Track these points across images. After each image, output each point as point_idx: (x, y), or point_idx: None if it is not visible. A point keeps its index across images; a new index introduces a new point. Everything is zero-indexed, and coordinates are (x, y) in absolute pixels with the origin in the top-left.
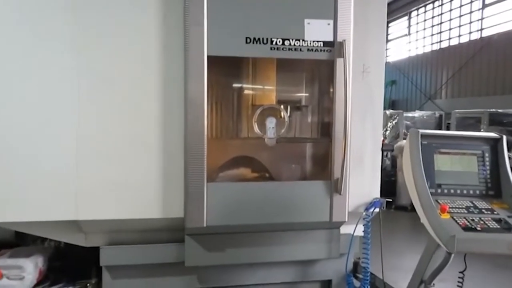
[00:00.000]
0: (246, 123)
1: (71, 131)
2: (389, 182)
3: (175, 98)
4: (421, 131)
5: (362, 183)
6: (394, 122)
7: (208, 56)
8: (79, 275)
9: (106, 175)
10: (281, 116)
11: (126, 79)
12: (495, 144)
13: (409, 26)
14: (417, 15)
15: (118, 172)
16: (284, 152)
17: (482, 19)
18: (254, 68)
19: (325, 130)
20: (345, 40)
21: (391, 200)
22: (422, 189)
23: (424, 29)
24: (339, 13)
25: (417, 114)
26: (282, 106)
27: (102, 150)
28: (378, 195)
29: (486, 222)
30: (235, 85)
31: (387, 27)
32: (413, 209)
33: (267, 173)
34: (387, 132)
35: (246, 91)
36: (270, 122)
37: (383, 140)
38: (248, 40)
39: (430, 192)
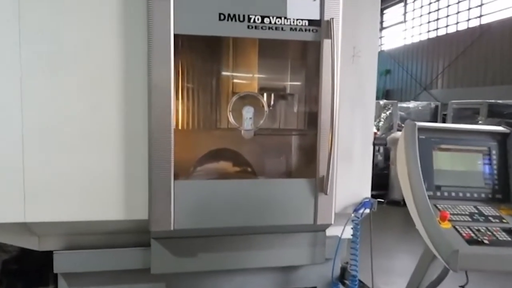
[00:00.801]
0: (226, 113)
1: (15, 119)
2: (381, 175)
3: (138, 82)
4: (418, 123)
5: (350, 181)
6: (388, 113)
7: (175, 35)
8: (36, 281)
9: (57, 170)
10: (263, 106)
11: (80, 58)
12: (503, 140)
13: (405, 13)
14: (414, 1)
15: (71, 166)
16: (266, 145)
17: (481, 5)
18: (233, 51)
19: (312, 121)
20: (333, 19)
21: (382, 201)
22: (419, 191)
23: (421, 15)
24: None
25: (412, 104)
26: (261, 94)
27: (52, 141)
28: (369, 195)
29: (495, 233)
30: (211, 69)
31: (382, 14)
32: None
33: (249, 167)
34: (380, 123)
35: (224, 77)
36: (247, 112)
37: (375, 133)
38: (222, 17)
39: (428, 195)
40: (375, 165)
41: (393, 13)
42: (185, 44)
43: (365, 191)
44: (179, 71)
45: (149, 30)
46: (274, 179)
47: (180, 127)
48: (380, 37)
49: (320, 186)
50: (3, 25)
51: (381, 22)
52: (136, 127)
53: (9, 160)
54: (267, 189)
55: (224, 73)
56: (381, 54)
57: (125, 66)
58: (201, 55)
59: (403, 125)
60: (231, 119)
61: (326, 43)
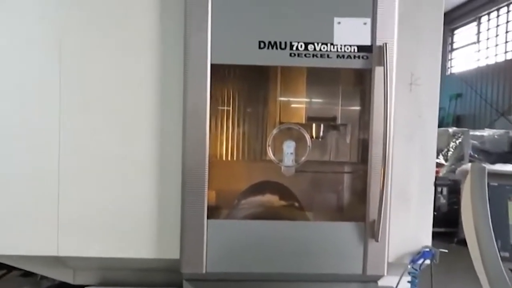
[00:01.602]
0: (273, 144)
1: (53, 153)
2: (450, 210)
3: (174, 113)
4: (488, 167)
5: (407, 226)
6: (457, 142)
7: (212, 65)
8: None
9: (91, 205)
10: (312, 137)
11: (116, 88)
12: None
13: (479, 32)
14: (488, 20)
15: (104, 202)
16: (314, 179)
17: None
18: (279, 77)
19: (366, 155)
20: (386, 44)
21: (446, 251)
22: (489, 252)
23: (497, 35)
24: (379, 9)
25: (486, 132)
26: (309, 124)
27: (87, 177)
28: (429, 242)
29: None
30: (255, 97)
31: (452, 34)
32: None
33: (296, 201)
34: (449, 153)
35: (269, 105)
36: (288, 147)
37: (438, 171)
38: (262, 45)
39: (502, 257)
40: (437, 209)
41: (465, 33)
42: (226, 71)
43: (425, 238)
44: (219, 99)
45: (185, 61)
46: (317, 221)
47: (221, 158)
48: (450, 59)
49: (371, 231)
50: (45, 68)
51: (451, 43)
52: (170, 162)
53: (45, 193)
54: (310, 232)
55: (269, 101)
56: (451, 77)
57: (161, 98)
58: (244, 82)
59: (476, 155)
60: (270, 154)
61: (379, 70)
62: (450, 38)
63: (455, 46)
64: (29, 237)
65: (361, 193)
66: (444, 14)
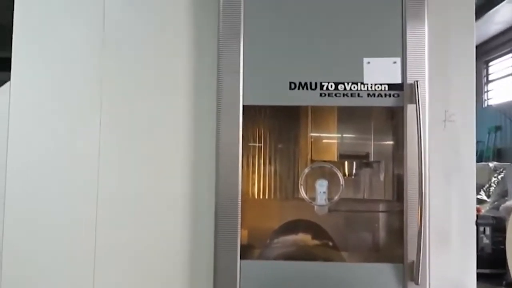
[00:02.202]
0: (305, 182)
1: (91, 188)
2: (496, 250)
3: (207, 153)
4: None
5: (448, 268)
6: (499, 177)
7: (244, 106)
8: None
9: (124, 244)
10: (344, 174)
11: (151, 129)
12: None
13: None
14: None
15: (139, 239)
16: (349, 218)
17: None
18: (310, 116)
19: (401, 192)
20: (417, 82)
21: None
22: None
23: None
24: (409, 48)
25: None
26: (342, 162)
27: (122, 214)
28: (474, 286)
29: None
30: (287, 135)
31: (487, 66)
32: None
33: (330, 241)
34: (491, 189)
35: (301, 143)
36: (320, 186)
37: (479, 208)
38: (293, 86)
39: None
40: (480, 249)
41: (500, 65)
42: (257, 111)
43: (469, 281)
44: (251, 138)
45: (218, 103)
46: (352, 262)
47: (254, 197)
48: (486, 91)
49: (410, 273)
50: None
51: (487, 75)
52: (203, 202)
53: (83, 226)
54: (345, 273)
55: (300, 139)
56: (488, 109)
57: (194, 139)
58: (275, 121)
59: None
60: (302, 193)
61: (411, 108)
62: (485, 70)
63: (490, 78)
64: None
65: (398, 233)
66: (477, 46)
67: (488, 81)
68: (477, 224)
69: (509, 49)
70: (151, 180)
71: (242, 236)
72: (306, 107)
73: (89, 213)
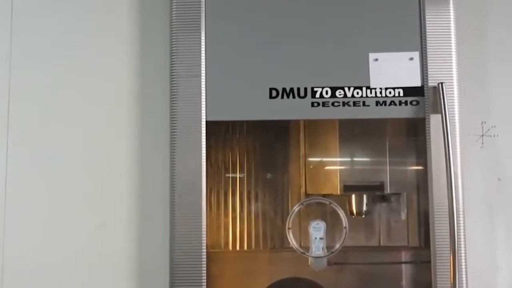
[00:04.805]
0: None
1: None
2: None
3: (157, 190)
4: None
5: None
6: None
7: (207, 122)
8: None
9: None
10: (351, 213)
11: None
12: None
13: None
14: None
15: None
16: (359, 273)
17: None
18: (301, 132)
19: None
20: (442, 84)
21: None
22: None
23: None
24: (430, 40)
25: None
26: (348, 196)
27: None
28: None
29: None
30: (270, 161)
31: None
32: None
33: None
34: None
35: (290, 171)
36: (316, 230)
37: None
38: (274, 93)
39: None
40: None
41: None
42: (228, 129)
43: None
44: (222, 165)
45: (172, 118)
46: None
47: (225, 249)
48: None
49: None
50: None
51: None
52: (155, 256)
53: None
54: None
55: (289, 165)
56: None
57: (140, 174)
58: (255, 141)
59: None
60: (291, 240)
61: (435, 119)
62: None
63: None
64: None
65: None
66: None
67: None
68: None
69: None
70: (82, 228)
71: None
72: (297, 122)
73: None
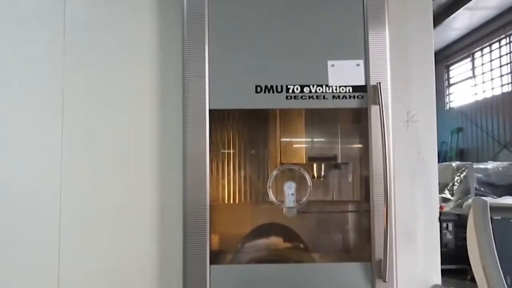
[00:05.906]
0: (275, 185)
1: (54, 203)
2: (460, 246)
3: (174, 161)
4: (490, 201)
5: (415, 265)
6: (462, 176)
7: (211, 110)
8: None
9: (91, 257)
10: (313, 176)
11: (117, 139)
12: None
13: (473, 68)
14: (482, 55)
15: (105, 251)
16: (319, 219)
17: None
18: (277, 119)
19: (369, 193)
20: (380, 83)
21: None
22: None
23: (491, 70)
24: (371, 51)
25: (490, 165)
26: (310, 165)
27: (87, 226)
28: (439, 281)
29: None
30: (255, 139)
31: (448, 70)
32: None
33: (301, 243)
34: (455, 188)
35: (270, 146)
36: (289, 188)
37: (442, 206)
38: (259, 89)
39: None
40: (443, 245)
41: (460, 69)
42: (225, 115)
43: (434, 276)
44: (219, 143)
45: (184, 108)
46: (323, 263)
47: (223, 202)
48: (448, 94)
49: (378, 271)
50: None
51: (448, 79)
52: (170, 206)
53: (45, 249)
54: (316, 273)
55: (269, 142)
56: (451, 111)
57: (160, 146)
58: (244, 125)
59: (482, 189)
60: (271, 195)
61: (374, 109)
62: (446, 74)
63: (451, 81)
64: None
65: (366, 232)
66: (438, 51)
67: (449, 85)
68: (440, 221)
69: (467, 53)
70: (118, 188)
71: (212, 242)
72: (274, 110)
73: (52, 229)
